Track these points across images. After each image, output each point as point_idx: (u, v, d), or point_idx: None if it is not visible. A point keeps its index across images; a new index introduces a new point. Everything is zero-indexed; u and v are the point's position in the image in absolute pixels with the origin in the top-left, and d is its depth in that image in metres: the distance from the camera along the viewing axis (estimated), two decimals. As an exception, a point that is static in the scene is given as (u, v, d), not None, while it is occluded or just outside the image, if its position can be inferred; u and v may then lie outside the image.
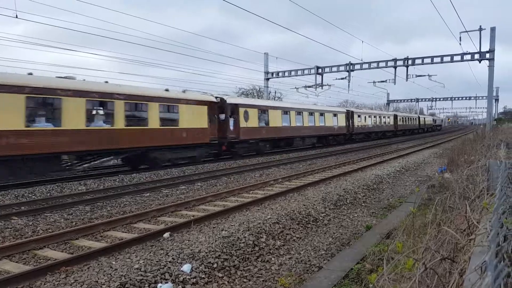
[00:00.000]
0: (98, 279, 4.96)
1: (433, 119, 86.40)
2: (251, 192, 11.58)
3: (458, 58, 28.72)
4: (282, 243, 6.82)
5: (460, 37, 26.91)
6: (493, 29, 27.33)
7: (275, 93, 54.07)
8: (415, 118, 65.38)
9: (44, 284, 4.92)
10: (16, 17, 16.32)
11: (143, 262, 5.51)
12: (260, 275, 5.75)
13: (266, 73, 36.74)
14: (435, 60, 29.46)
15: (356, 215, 9.42)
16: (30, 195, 11.08)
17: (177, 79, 67.77)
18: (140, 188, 12.32)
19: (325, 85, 35.47)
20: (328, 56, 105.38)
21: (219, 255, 5.96)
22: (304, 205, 9.09)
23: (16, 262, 5.90)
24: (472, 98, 72.00)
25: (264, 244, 6.57)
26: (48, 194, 11.37)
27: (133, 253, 6.12)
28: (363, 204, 10.61)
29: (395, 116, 51.44)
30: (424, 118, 74.49)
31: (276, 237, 7.00)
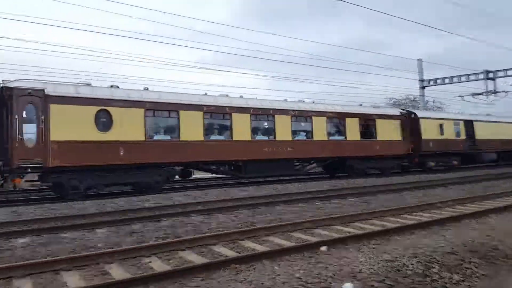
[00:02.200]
0: (264, 281, 5.15)
1: None
2: (413, 213, 10.47)
3: None
4: (461, 278, 5.83)
5: None
6: None
7: (434, 102, 48.68)
8: None
9: (219, 277, 5.40)
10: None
11: (303, 272, 5.49)
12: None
13: (421, 80, 33.30)
14: None
15: None
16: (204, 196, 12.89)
17: (318, 92, 66.72)
18: (293, 198, 12.65)
19: (500, 91, 30.08)
20: (501, 58, 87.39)
21: (383, 280, 5.47)
22: (487, 235, 7.63)
23: (197, 254, 6.65)
24: None
25: (437, 276, 5.74)
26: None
27: (294, 261, 6.17)
28: None
29: None
30: None
31: (452, 269, 6.04)
